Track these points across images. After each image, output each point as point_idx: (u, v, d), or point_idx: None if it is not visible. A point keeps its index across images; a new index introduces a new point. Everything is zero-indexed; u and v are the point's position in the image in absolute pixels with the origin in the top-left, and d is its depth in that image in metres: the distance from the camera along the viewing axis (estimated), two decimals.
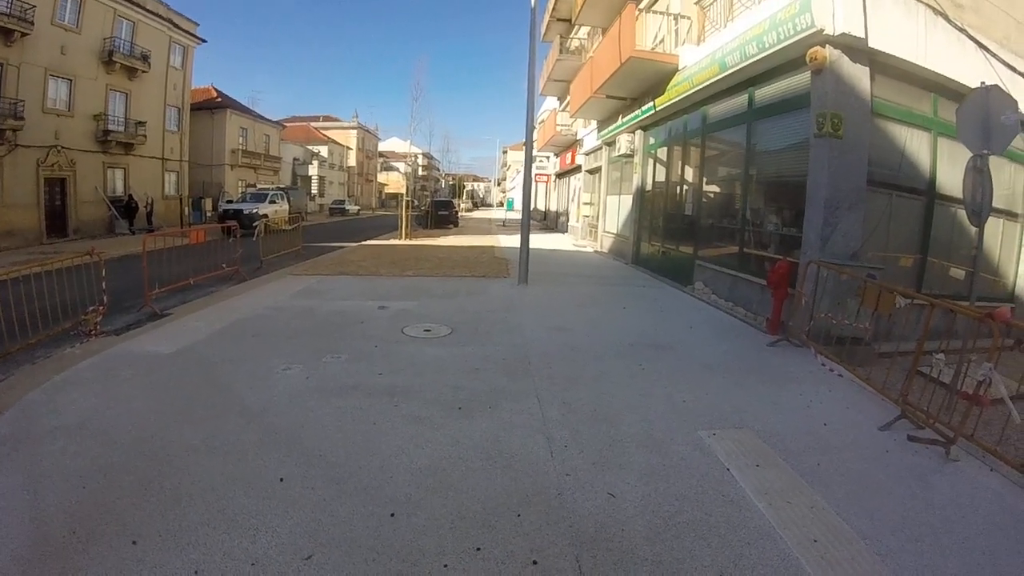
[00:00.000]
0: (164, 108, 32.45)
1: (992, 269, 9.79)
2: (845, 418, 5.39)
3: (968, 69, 8.34)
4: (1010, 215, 9.87)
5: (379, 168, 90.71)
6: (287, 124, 58.05)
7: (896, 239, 8.89)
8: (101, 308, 8.07)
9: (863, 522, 3.58)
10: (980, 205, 6.24)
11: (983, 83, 6.40)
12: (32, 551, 3.06)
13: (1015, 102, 6.13)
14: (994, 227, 9.44)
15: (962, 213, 7.20)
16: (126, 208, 28.93)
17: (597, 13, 19.15)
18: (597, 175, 23.10)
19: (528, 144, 13.30)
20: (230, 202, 33.38)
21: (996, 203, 7.08)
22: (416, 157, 74.08)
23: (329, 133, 69.11)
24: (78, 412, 4.95)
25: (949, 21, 8.39)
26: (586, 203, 25.85)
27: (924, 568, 3.18)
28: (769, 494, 3.86)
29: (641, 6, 15.72)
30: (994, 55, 8.66)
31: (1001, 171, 8.91)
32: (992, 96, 6.16)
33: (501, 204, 70.37)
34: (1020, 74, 8.87)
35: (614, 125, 18.74)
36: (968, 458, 4.59)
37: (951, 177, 8.68)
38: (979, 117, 6.20)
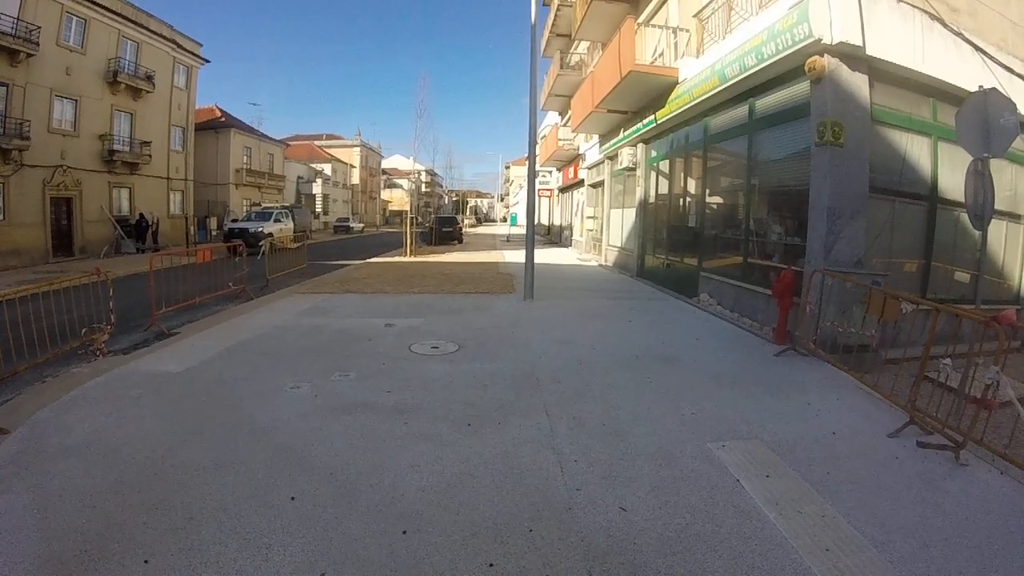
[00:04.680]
0: (169, 128, 32.81)
1: (996, 272, 9.80)
2: (854, 426, 5.38)
3: (966, 73, 8.40)
4: (1013, 217, 9.89)
5: (383, 185, 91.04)
6: (291, 143, 58.57)
7: (900, 245, 8.90)
8: (108, 327, 8.10)
9: (874, 529, 3.57)
10: (982, 208, 6.27)
11: (981, 86, 6.45)
12: (43, 571, 3.07)
13: (1014, 104, 6.17)
14: (997, 230, 9.45)
15: (965, 217, 7.22)
16: (136, 227, 29.12)
17: (596, 28, 19.28)
18: (600, 189, 23.16)
19: (531, 159, 13.35)
20: (235, 221, 33.55)
21: (998, 205, 7.11)
22: (419, 174, 74.39)
23: (332, 151, 69.54)
24: (87, 431, 4.97)
25: (945, 26, 8.45)
26: (589, 217, 25.90)
27: (936, 574, 3.17)
28: (780, 504, 3.86)
29: (640, 20, 15.84)
30: (991, 58, 8.71)
31: (1002, 173, 8.95)
32: (991, 99, 6.20)
33: (504, 219, 70.55)
34: (1018, 76, 8.92)
35: (616, 139, 18.82)
36: (978, 462, 4.58)
37: (953, 181, 8.70)
38: (978, 120, 6.24)
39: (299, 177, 57.16)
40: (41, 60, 23.43)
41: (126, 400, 5.81)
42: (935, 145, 8.91)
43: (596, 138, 22.48)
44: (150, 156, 30.53)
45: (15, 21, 21.94)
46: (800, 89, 8.79)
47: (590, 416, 5.49)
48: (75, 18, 25.56)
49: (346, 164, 70.85)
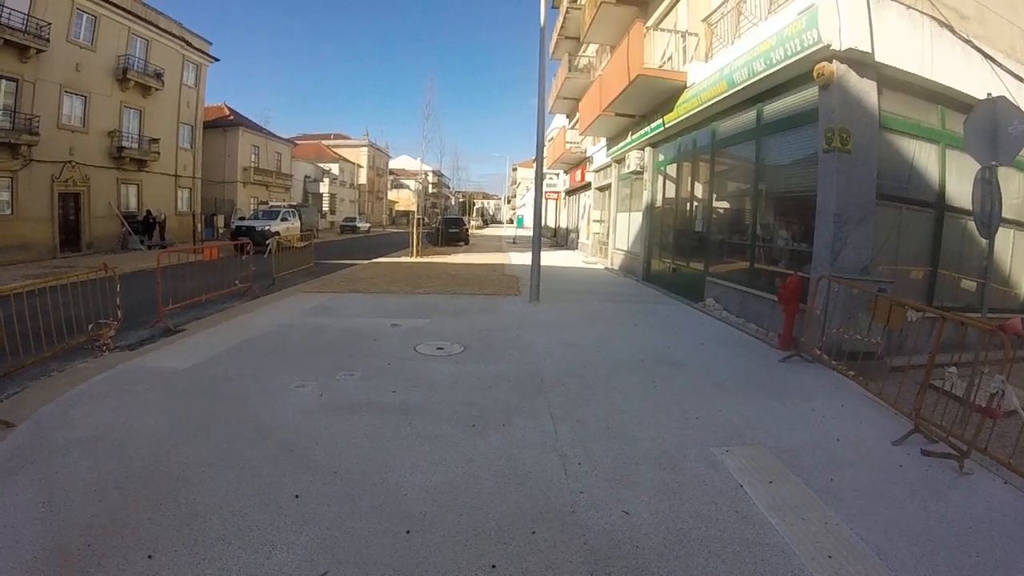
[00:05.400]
0: (177, 125, 32.98)
1: (1003, 280, 9.76)
2: (858, 433, 5.37)
3: (974, 80, 8.38)
4: (1020, 226, 9.83)
5: (389, 185, 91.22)
6: (298, 142, 58.71)
7: (906, 252, 8.87)
8: (115, 323, 8.15)
9: (877, 537, 3.56)
10: (990, 216, 6.25)
11: (990, 94, 6.42)
12: (47, 565, 3.08)
13: (1022, 112, 6.13)
14: (1004, 238, 9.42)
15: (972, 225, 7.19)
16: (144, 224, 29.24)
17: (605, 31, 19.29)
18: (607, 192, 23.16)
19: (538, 161, 13.35)
20: (242, 219, 33.65)
21: (1006, 214, 7.07)
22: (426, 175, 74.46)
23: (340, 151, 69.72)
24: (93, 426, 4.99)
25: (954, 33, 8.43)
26: (596, 220, 25.88)
27: None
28: (783, 510, 3.85)
29: (649, 24, 15.85)
30: (1000, 65, 8.69)
31: (1010, 182, 8.90)
32: (999, 107, 6.18)
33: (511, 221, 70.51)
34: None
35: (623, 142, 18.81)
36: (982, 471, 4.56)
37: (960, 189, 8.66)
38: (987, 128, 6.21)
39: (306, 176, 57.25)
40: (51, 56, 23.55)
41: (131, 396, 5.84)
42: (943, 152, 8.89)
43: (603, 141, 22.47)
44: (158, 153, 30.66)
45: (26, 17, 22.06)
46: (808, 95, 8.78)
47: (594, 419, 5.49)
48: (85, 15, 25.70)
49: (353, 164, 70.99)
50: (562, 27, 26.11)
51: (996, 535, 3.66)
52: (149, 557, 3.17)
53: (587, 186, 28.30)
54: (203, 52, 34.89)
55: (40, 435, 4.79)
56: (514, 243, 38.66)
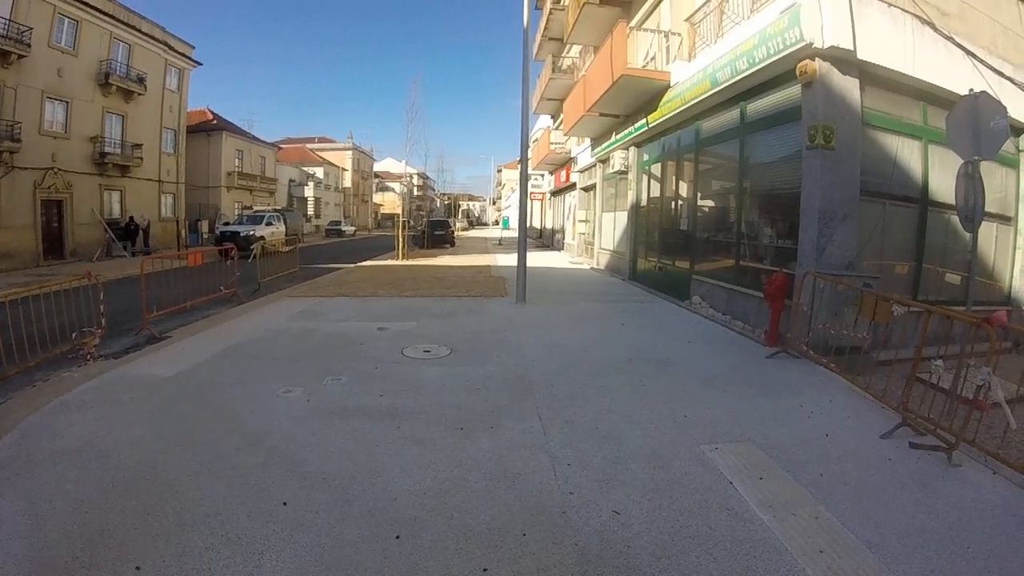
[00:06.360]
0: (160, 130, 32.65)
1: (987, 273, 9.87)
2: (846, 427, 5.40)
3: (956, 76, 8.44)
4: (1003, 219, 9.96)
5: (375, 189, 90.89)
6: (282, 146, 58.32)
7: (891, 247, 8.94)
8: (98, 331, 8.06)
9: (868, 531, 3.58)
10: (973, 210, 6.28)
11: (971, 90, 6.47)
12: None
13: (1004, 107, 6.19)
14: (987, 231, 9.53)
15: (955, 219, 7.25)
16: (126, 230, 28.97)
17: (588, 32, 19.31)
18: (592, 192, 23.19)
19: (523, 163, 13.34)
20: (227, 224, 33.40)
21: (988, 208, 7.13)
22: (411, 177, 74.36)
23: (324, 154, 69.30)
24: (78, 436, 4.93)
25: (936, 30, 8.50)
26: (581, 220, 25.91)
27: (930, 574, 3.18)
28: (773, 506, 3.86)
29: (632, 24, 15.87)
30: (981, 61, 8.77)
31: (992, 176, 9.00)
32: (981, 102, 6.22)
33: (497, 223, 70.51)
34: (1007, 79, 8.98)
35: (608, 142, 18.85)
36: (970, 463, 4.60)
37: (943, 184, 8.75)
38: (969, 123, 6.26)
39: (291, 180, 56.94)
40: (32, 61, 23.28)
41: (117, 405, 5.77)
42: (925, 148, 8.97)
43: (588, 142, 22.50)
44: (141, 159, 30.37)
45: (7, 22, 21.81)
46: (791, 93, 8.82)
47: (583, 419, 5.48)
48: (67, 19, 25.42)
49: (338, 167, 70.69)
50: (546, 28, 26.09)
51: (986, 526, 3.69)
52: (137, 568, 3.13)
53: (572, 187, 28.34)
54: (186, 56, 34.60)
55: (25, 446, 4.72)
56: (500, 244, 38.67)
